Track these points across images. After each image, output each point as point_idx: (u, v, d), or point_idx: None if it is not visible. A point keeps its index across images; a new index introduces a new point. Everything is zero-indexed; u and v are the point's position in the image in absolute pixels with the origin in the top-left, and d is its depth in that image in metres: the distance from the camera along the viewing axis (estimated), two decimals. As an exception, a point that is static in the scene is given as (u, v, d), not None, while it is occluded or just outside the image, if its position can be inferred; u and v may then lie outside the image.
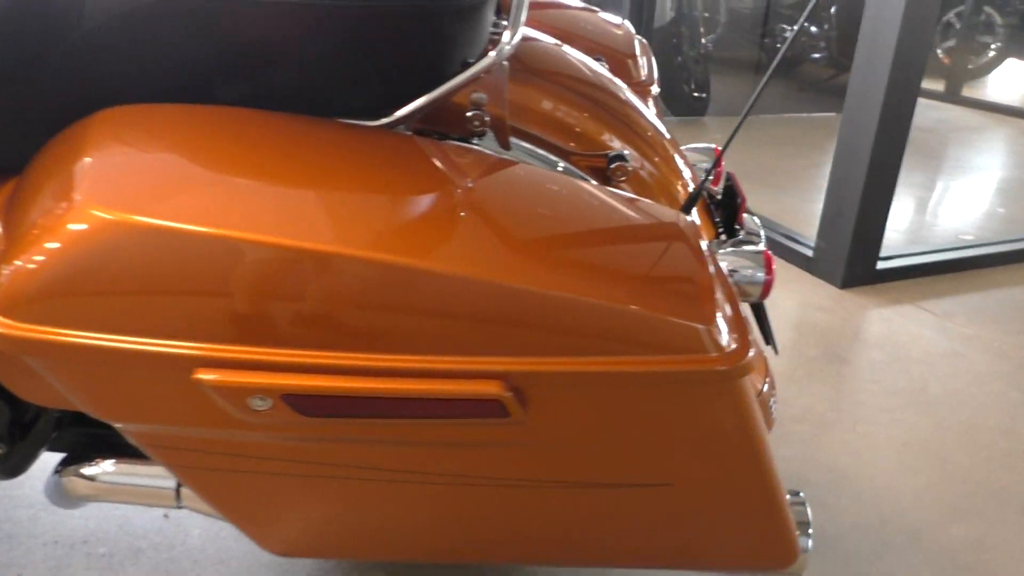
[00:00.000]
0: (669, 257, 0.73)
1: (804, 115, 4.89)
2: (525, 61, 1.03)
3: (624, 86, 1.10)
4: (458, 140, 0.87)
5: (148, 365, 0.64)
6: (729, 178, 1.14)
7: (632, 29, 1.34)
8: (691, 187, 1.06)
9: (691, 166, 1.11)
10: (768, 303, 2.24)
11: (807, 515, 0.93)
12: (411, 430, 0.68)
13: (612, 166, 0.93)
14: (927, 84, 5.69)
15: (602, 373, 0.67)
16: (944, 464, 1.60)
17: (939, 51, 5.98)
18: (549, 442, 0.71)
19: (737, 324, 0.72)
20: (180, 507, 0.93)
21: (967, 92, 5.67)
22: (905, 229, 2.99)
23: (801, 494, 0.97)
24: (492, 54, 0.81)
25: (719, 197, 1.14)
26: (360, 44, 0.76)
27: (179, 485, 0.89)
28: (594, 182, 0.94)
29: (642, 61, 1.26)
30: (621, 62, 1.22)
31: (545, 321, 0.65)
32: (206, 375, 0.63)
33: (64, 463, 0.94)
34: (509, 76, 0.99)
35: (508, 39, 0.81)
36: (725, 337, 0.70)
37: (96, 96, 0.76)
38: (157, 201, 0.63)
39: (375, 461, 0.73)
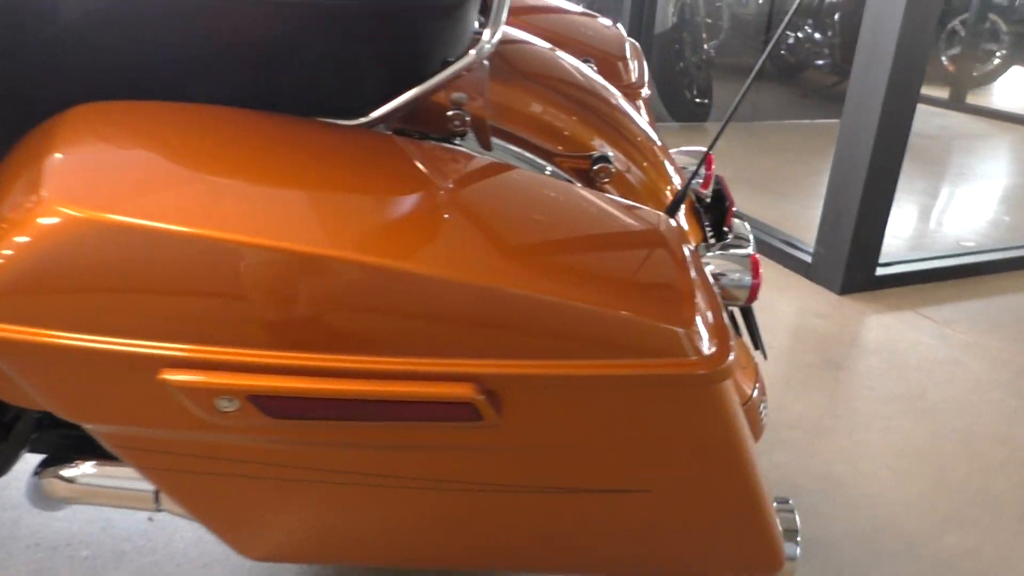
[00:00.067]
0: (648, 259, 0.71)
1: (807, 122, 4.88)
2: (513, 63, 1.02)
3: (613, 89, 1.09)
4: (439, 140, 0.86)
5: (113, 365, 0.63)
6: (718, 181, 1.13)
7: (623, 32, 1.33)
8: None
9: (680, 170, 1.10)
10: (766, 309, 2.23)
11: (795, 522, 0.92)
12: (382, 433, 0.67)
13: (595, 167, 0.92)
14: (932, 91, 5.69)
15: (578, 376, 0.66)
16: (940, 472, 1.58)
17: (944, 58, 5.96)
18: (525, 446, 0.70)
19: (718, 328, 0.71)
20: (159, 510, 0.92)
21: (972, 99, 5.65)
22: (907, 236, 2.97)
23: (790, 501, 0.96)
24: (472, 53, 0.80)
25: (708, 200, 1.13)
26: (339, 42, 0.75)
27: (158, 488, 0.88)
28: (577, 184, 0.93)
29: (632, 64, 1.25)
30: (611, 64, 1.21)
31: (519, 323, 0.64)
32: (172, 375, 0.62)
33: (44, 464, 0.93)
34: (495, 77, 0.98)
35: (488, 38, 0.80)
36: (705, 341, 0.68)
37: (71, 92, 0.75)
38: (125, 198, 0.62)
39: (348, 464, 0.72)
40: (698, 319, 0.69)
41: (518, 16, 1.27)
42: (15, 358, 0.63)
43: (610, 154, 0.94)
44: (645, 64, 1.31)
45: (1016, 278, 2.61)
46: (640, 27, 4.07)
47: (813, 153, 4.09)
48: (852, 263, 2.36)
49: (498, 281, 0.63)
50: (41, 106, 0.76)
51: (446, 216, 0.68)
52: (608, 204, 0.78)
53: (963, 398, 1.86)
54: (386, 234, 0.64)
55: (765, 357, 1.13)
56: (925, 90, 5.69)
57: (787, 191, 3.40)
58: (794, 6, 0.88)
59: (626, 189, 0.98)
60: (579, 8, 1.37)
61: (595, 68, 1.15)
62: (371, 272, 0.62)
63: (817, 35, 5.08)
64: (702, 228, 1.07)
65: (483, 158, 0.79)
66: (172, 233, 0.61)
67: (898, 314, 2.27)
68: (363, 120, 0.79)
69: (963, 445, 1.68)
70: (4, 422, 0.94)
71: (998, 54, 6.05)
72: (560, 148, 0.95)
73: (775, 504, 0.94)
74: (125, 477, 0.91)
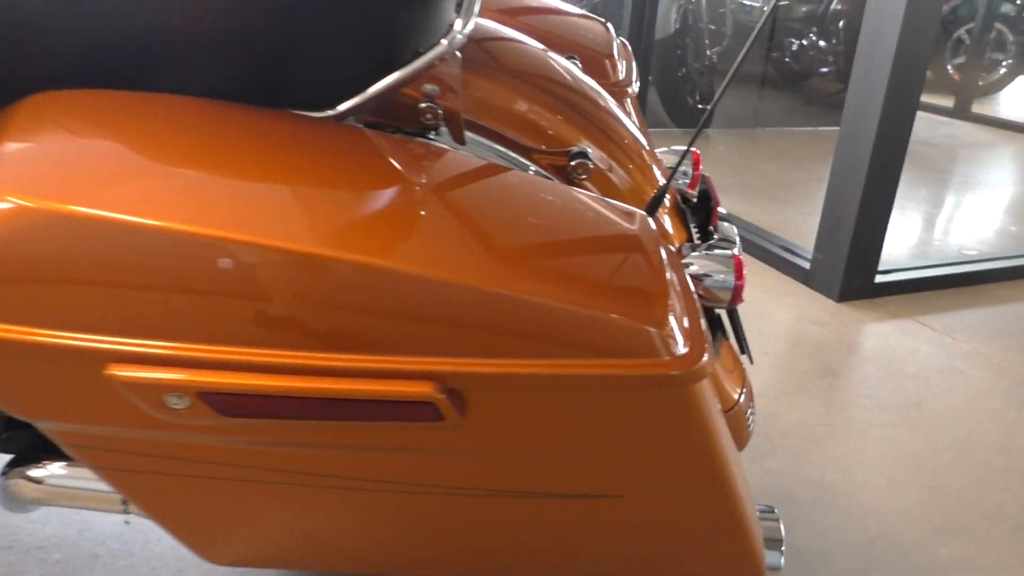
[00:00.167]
0: (621, 256, 0.69)
1: (810, 129, 4.86)
2: (500, 59, 1.00)
3: (600, 89, 1.07)
4: (412, 134, 0.84)
5: (60, 359, 0.61)
6: (704, 181, 1.11)
7: (613, 31, 1.30)
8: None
9: (667, 171, 1.08)
10: (763, 316, 2.20)
11: (780, 531, 0.89)
12: (341, 433, 0.65)
13: (573, 163, 0.90)
14: (937, 100, 5.66)
15: (544, 376, 0.63)
16: (936, 482, 1.55)
17: (949, 67, 5.94)
18: (490, 449, 0.68)
19: (693, 329, 0.69)
20: (127, 512, 0.90)
21: (978, 108, 5.63)
22: (908, 244, 2.94)
23: (775, 510, 0.93)
24: (444, 43, 0.77)
25: (694, 201, 1.11)
26: (307, 30, 0.73)
27: (115, 490, 0.86)
28: (554, 179, 0.91)
29: (620, 62, 1.23)
30: (597, 62, 1.19)
31: (483, 320, 0.62)
32: (119, 371, 0.60)
33: (11, 465, 0.91)
34: (478, 72, 0.96)
35: (460, 28, 0.78)
36: (678, 341, 0.66)
37: (30, 82, 0.73)
38: (75, 188, 0.60)
39: (308, 466, 0.69)
40: (671, 319, 0.66)
41: (507, 15, 1.25)
42: (-42, 352, 0.61)
43: (589, 151, 0.92)
44: (634, 63, 1.29)
45: (1017, 287, 2.58)
46: (640, 32, 4.05)
47: (815, 160, 4.07)
48: (850, 270, 2.33)
49: (460, 276, 0.61)
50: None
51: (410, 210, 0.65)
52: (583, 199, 0.75)
53: (961, 407, 1.82)
54: (347, 227, 0.62)
55: (751, 361, 1.10)
56: (931, 99, 5.68)
57: (788, 197, 3.38)
58: (768, 9, 0.86)
59: (607, 187, 0.96)
60: (571, 8, 1.35)
61: (579, 65, 1.13)
62: (328, 265, 0.60)
63: (821, 42, 5.06)
64: (687, 228, 1.05)
65: (454, 152, 0.77)
66: (121, 223, 0.59)
67: (897, 322, 2.24)
68: (332, 112, 0.77)
69: (960, 455, 1.64)
70: None
71: (1004, 63, 6.03)
72: (537, 143, 0.92)
73: (759, 512, 0.91)
74: (94, 478, 0.89)
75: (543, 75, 1.01)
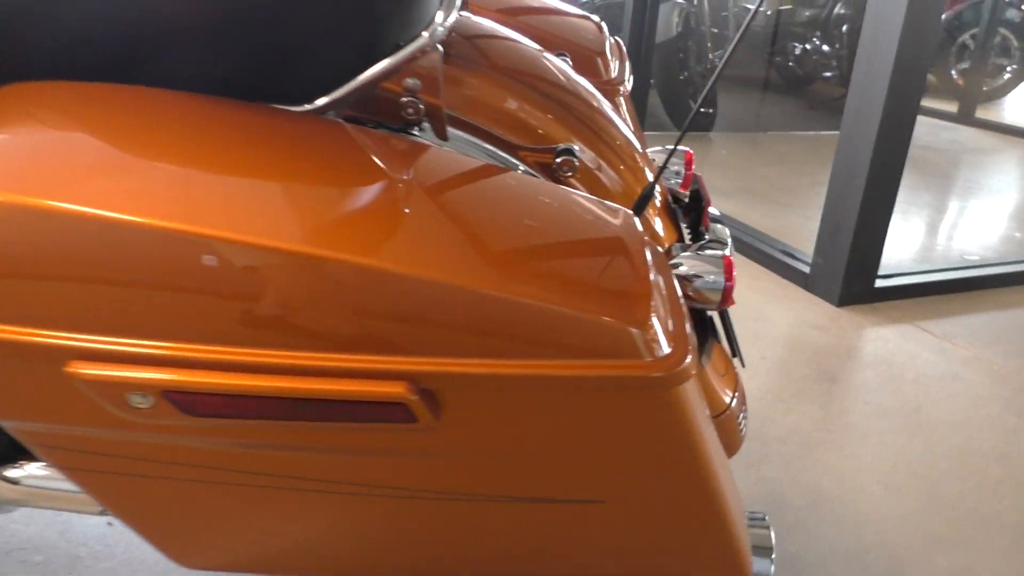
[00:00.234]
0: (603, 255, 0.67)
1: (812, 133, 4.84)
2: (490, 56, 0.98)
3: (592, 88, 1.05)
4: (394, 130, 0.82)
5: (19, 356, 0.59)
6: (696, 181, 1.09)
7: (606, 29, 1.29)
8: (656, 190, 1.01)
9: (656, 170, 1.06)
10: (761, 320, 2.18)
11: (770, 539, 0.87)
12: (310, 435, 0.63)
13: (559, 160, 0.88)
14: (942, 105, 5.64)
15: (520, 377, 0.61)
16: (933, 489, 1.52)
17: (953, 72, 5.91)
18: (465, 452, 0.66)
19: (677, 330, 0.67)
20: (103, 514, 0.88)
21: (982, 114, 5.60)
22: (911, 248, 2.92)
23: (766, 517, 0.91)
24: (425, 35, 0.76)
25: (686, 201, 1.09)
26: (286, 22, 0.71)
27: (83, 490, 0.84)
28: (539, 177, 0.89)
29: (613, 60, 1.21)
30: (589, 60, 1.17)
31: (457, 318, 0.60)
32: (80, 368, 0.58)
33: (-13, 465, 0.89)
34: (468, 69, 0.94)
35: (441, 20, 0.76)
36: (661, 342, 0.64)
37: (3, 73, 0.71)
38: (40, 180, 0.58)
39: (279, 467, 0.67)
40: (654, 319, 0.64)
41: (506, 15, 1.23)
42: (-85, 347, 0.60)
43: (575, 148, 0.90)
44: (627, 62, 1.27)
45: (1019, 293, 2.55)
46: (640, 35, 4.04)
47: (817, 164, 4.04)
48: (850, 274, 2.31)
49: (434, 273, 0.59)
50: None
51: (385, 205, 0.64)
52: (565, 196, 0.73)
53: (960, 414, 1.80)
54: (320, 223, 0.60)
55: (743, 364, 1.08)
56: (934, 104, 5.65)
57: (789, 201, 3.36)
58: (752, 12, 0.85)
59: (596, 186, 0.94)
60: (570, 8, 1.33)
61: (570, 63, 1.11)
62: (298, 262, 0.58)
63: (824, 47, 5.04)
64: (677, 228, 1.03)
65: (435, 148, 0.75)
66: (83, 216, 0.57)
67: (897, 327, 2.22)
68: (311, 106, 0.75)
69: (958, 462, 1.62)
70: None
71: (1008, 69, 6.01)
72: (522, 140, 0.90)
73: (749, 519, 0.89)
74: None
75: (535, 74, 0.99)
